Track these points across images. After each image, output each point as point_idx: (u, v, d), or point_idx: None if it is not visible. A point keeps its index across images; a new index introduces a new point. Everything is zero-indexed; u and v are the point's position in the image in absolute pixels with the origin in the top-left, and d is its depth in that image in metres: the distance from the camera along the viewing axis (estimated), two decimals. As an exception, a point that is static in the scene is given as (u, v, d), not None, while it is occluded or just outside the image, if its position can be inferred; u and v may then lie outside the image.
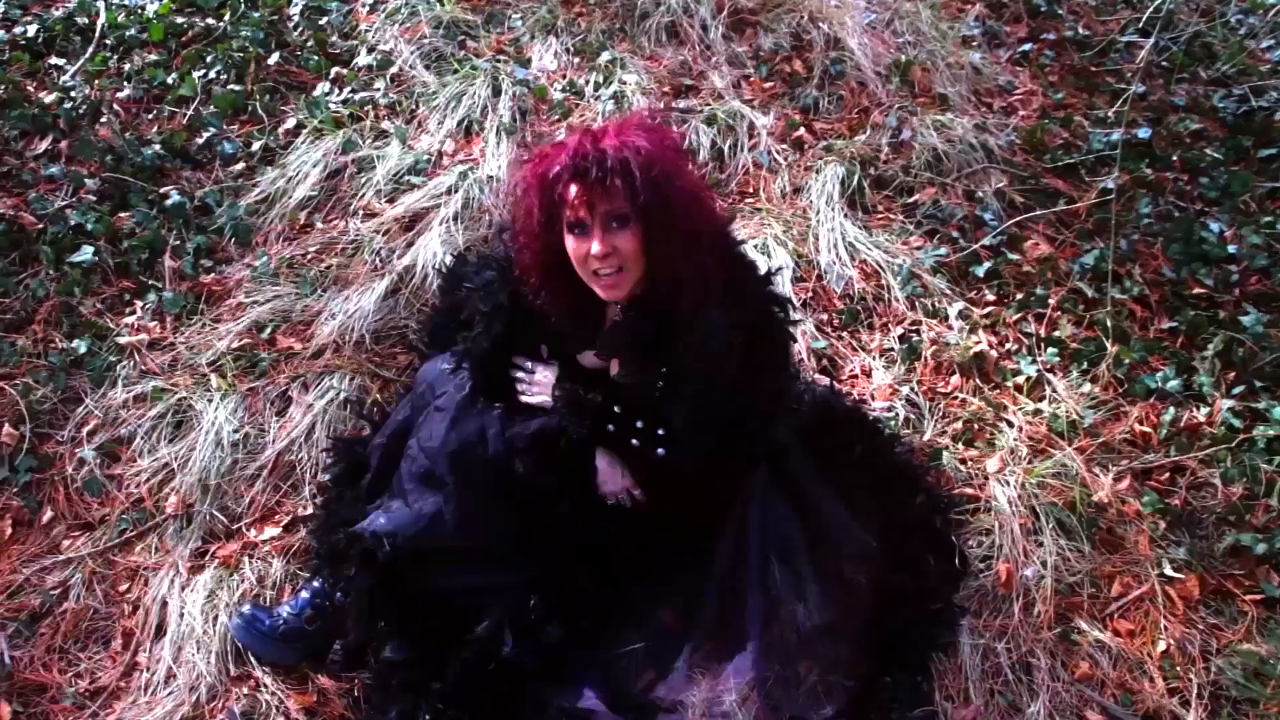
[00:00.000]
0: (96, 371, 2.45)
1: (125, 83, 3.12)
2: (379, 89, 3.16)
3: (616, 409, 1.84)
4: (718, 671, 1.90)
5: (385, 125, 3.04)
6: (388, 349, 2.54)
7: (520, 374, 1.95)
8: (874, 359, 2.59)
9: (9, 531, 2.21)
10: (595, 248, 1.70)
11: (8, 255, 2.63)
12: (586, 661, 1.92)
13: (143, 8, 3.35)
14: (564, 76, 3.23)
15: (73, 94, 3.02)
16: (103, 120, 2.99)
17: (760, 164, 3.04)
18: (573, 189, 1.69)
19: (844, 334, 2.66)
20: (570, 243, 1.75)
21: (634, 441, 1.84)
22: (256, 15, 3.32)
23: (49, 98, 3.02)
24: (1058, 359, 2.57)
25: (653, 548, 1.99)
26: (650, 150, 1.68)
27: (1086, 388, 2.50)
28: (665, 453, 1.82)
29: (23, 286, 2.59)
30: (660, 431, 1.83)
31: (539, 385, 1.93)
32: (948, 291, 2.73)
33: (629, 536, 1.97)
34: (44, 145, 2.92)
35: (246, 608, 2.00)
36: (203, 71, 3.15)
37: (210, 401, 2.37)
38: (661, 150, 1.72)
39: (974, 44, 3.52)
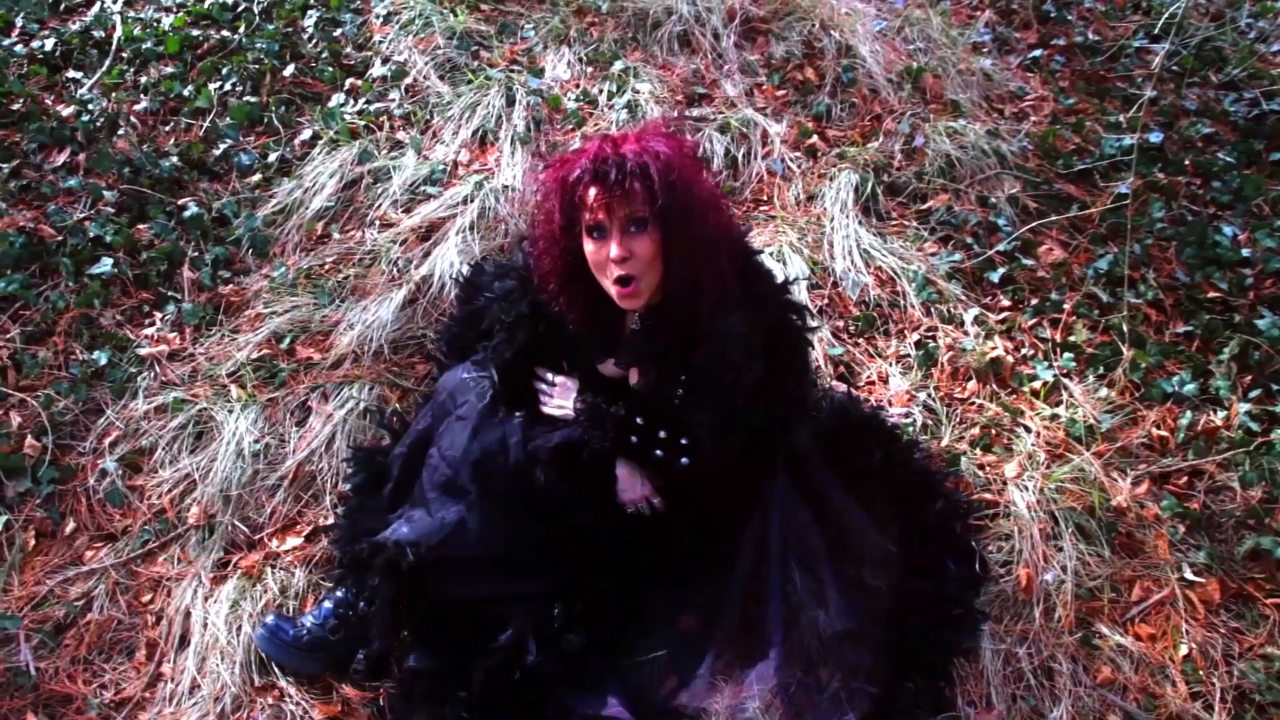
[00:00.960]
0: (117, 383, 2.47)
1: (142, 95, 3.15)
2: (394, 100, 3.18)
3: (639, 421, 1.84)
4: (740, 678, 1.90)
5: (400, 136, 3.06)
6: (406, 358, 2.55)
7: (542, 385, 1.97)
8: (890, 365, 2.60)
9: (32, 543, 2.22)
10: (613, 251, 1.71)
11: (27, 267, 2.65)
12: (609, 669, 1.93)
13: (159, 21, 3.38)
14: (577, 86, 3.25)
15: (90, 107, 3.05)
16: (120, 133, 3.01)
17: (774, 171, 3.05)
18: (592, 192, 1.70)
19: (860, 340, 2.67)
20: (589, 246, 1.76)
21: (657, 452, 1.84)
22: (271, 28, 3.35)
23: (67, 110, 3.04)
24: (1074, 364, 2.58)
25: (673, 555, 1.99)
26: (669, 155, 1.70)
27: (1103, 392, 2.50)
28: (688, 462, 1.83)
29: (43, 298, 2.61)
30: (683, 441, 1.83)
31: (561, 397, 1.94)
32: (963, 297, 2.74)
33: (650, 544, 1.97)
34: (62, 158, 2.94)
35: (270, 618, 2.00)
36: (219, 84, 3.18)
37: (230, 412, 2.38)
38: (680, 157, 1.73)
39: (984, 50, 3.53)
